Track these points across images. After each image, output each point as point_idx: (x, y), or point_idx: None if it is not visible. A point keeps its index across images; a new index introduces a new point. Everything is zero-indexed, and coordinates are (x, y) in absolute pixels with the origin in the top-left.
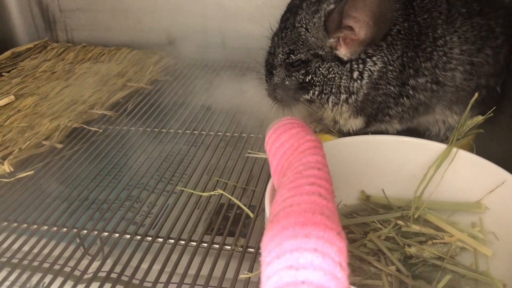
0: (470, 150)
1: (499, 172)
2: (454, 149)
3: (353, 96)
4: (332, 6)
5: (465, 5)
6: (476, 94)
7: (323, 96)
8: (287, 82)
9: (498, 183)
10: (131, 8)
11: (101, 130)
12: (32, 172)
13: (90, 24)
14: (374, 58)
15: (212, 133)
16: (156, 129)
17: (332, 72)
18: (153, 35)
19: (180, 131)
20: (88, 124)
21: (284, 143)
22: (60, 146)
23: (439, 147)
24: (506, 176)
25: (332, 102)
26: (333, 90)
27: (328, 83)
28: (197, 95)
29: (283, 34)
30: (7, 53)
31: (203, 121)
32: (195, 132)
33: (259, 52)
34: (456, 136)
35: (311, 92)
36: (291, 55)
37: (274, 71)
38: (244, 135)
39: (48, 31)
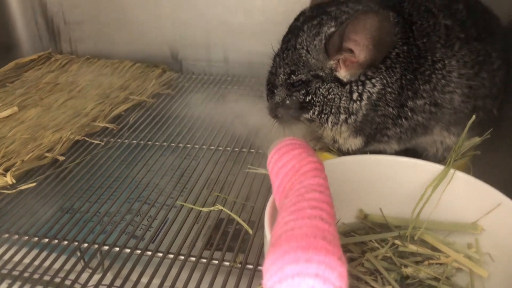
0: (467, 171)
1: (495, 194)
2: (452, 170)
3: (352, 117)
4: (332, 29)
5: (463, 30)
6: (474, 116)
7: (322, 116)
8: (287, 102)
9: (494, 205)
10: (135, 22)
11: (103, 143)
12: (34, 184)
13: (94, 37)
14: (373, 80)
15: (213, 147)
16: (158, 143)
17: (332, 93)
18: (156, 49)
19: (181, 145)
20: (90, 137)
21: (286, 163)
22: (62, 158)
23: (437, 168)
24: (502, 198)
25: (331, 122)
26: (333, 110)
27: (328, 103)
28: (199, 109)
29: (284, 55)
30: (11, 64)
31: (204, 135)
32: (196, 146)
33: (261, 68)
34: (453, 157)
35: (311, 111)
36: (292, 76)
37: (275, 90)
38: (244, 150)
39: (52, 43)
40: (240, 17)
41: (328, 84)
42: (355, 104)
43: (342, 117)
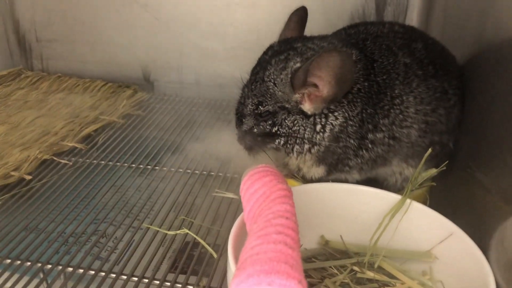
0: (424, 201)
1: (447, 224)
2: (408, 201)
3: (315, 147)
4: (298, 65)
5: (421, 68)
6: (430, 150)
7: (288, 145)
8: (255, 130)
9: (447, 234)
10: (109, 42)
11: (71, 163)
12: None
13: (67, 55)
14: (336, 114)
15: (181, 170)
16: (126, 164)
17: (297, 125)
18: (129, 69)
19: (149, 166)
20: (58, 156)
21: (257, 190)
22: (29, 177)
23: (395, 197)
24: (453, 228)
25: (296, 152)
26: (297, 140)
27: (293, 134)
28: (169, 131)
29: (253, 86)
30: None
31: (173, 157)
32: (165, 168)
33: (231, 91)
34: (410, 188)
35: (277, 141)
36: (260, 106)
37: (244, 120)
38: (212, 173)
39: (23, 59)
40: (213, 42)
41: (293, 116)
42: (318, 135)
43: (306, 147)
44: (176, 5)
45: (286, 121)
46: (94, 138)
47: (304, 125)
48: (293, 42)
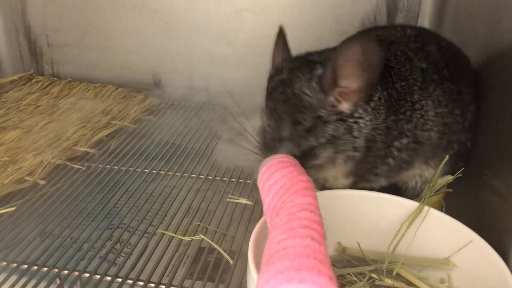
0: (440, 207)
1: (467, 231)
2: (426, 208)
3: (355, 153)
4: (321, 70)
5: (437, 71)
6: (447, 157)
7: (329, 155)
8: (296, 153)
9: (466, 242)
10: (119, 48)
11: (84, 168)
12: (13, 208)
13: (77, 60)
14: (366, 118)
15: (194, 175)
16: (139, 169)
17: (338, 132)
18: (139, 75)
19: (162, 172)
20: (71, 161)
21: (277, 181)
22: (42, 182)
23: (412, 204)
24: (473, 236)
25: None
26: (340, 149)
27: (332, 144)
28: (180, 136)
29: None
30: None
31: (185, 163)
32: (178, 174)
33: (242, 97)
34: (428, 194)
35: (320, 155)
36: (296, 125)
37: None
38: (225, 179)
39: (34, 64)
40: (223, 48)
41: (332, 124)
42: (357, 140)
43: (350, 154)
44: (187, 10)
45: (326, 128)
46: (106, 143)
47: (343, 131)
48: (309, 56)
